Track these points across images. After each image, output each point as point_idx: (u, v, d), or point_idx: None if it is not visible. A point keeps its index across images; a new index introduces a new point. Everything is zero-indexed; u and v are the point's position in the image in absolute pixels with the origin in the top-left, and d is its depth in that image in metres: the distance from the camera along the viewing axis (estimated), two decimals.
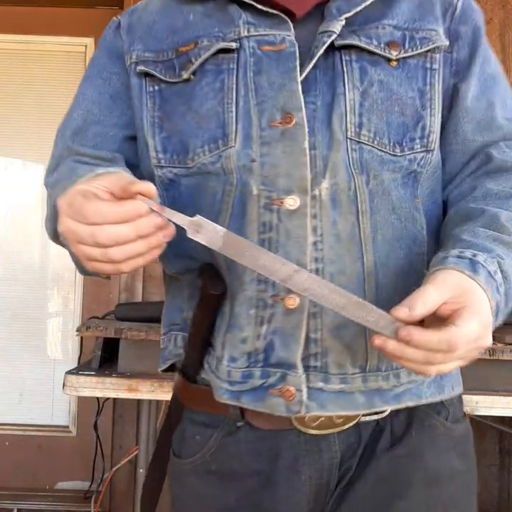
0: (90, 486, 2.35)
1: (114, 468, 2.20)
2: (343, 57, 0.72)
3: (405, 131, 0.72)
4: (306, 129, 0.69)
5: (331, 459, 0.75)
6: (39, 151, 2.57)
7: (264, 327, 0.71)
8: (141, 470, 1.72)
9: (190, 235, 0.63)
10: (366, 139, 0.71)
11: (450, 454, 0.77)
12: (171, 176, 0.76)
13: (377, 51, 0.72)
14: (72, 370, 1.55)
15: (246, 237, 0.68)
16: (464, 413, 0.83)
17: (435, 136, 0.74)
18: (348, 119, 0.71)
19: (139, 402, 1.88)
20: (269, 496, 0.75)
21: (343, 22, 0.73)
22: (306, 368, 0.71)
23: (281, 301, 0.70)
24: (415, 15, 0.76)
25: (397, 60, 0.73)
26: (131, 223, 0.59)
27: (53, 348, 2.56)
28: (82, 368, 1.59)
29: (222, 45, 0.74)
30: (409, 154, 0.72)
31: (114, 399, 2.22)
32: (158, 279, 2.38)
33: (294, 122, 0.69)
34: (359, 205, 0.71)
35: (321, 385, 0.71)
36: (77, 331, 1.62)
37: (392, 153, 0.72)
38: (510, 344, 1.52)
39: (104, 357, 1.59)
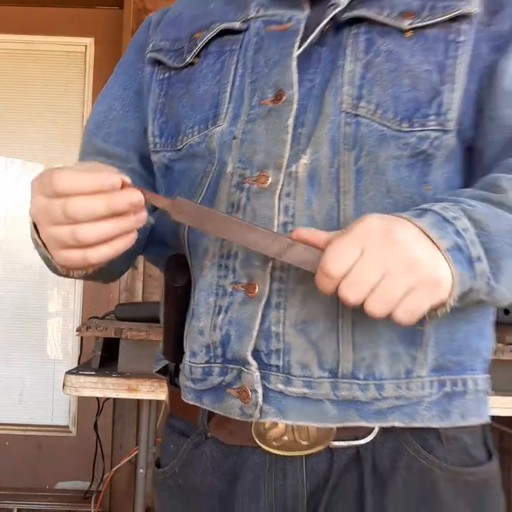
0: (90, 486, 2.35)
1: (114, 468, 2.20)
2: (352, 31, 0.66)
3: (418, 106, 0.64)
4: (295, 106, 0.65)
5: (295, 486, 0.64)
6: (39, 151, 2.57)
7: (220, 316, 0.65)
8: (141, 470, 1.72)
9: (173, 216, 0.60)
10: (365, 111, 0.64)
11: (456, 504, 0.63)
12: (165, 162, 0.74)
13: (387, 21, 0.65)
14: (72, 370, 1.55)
15: None
16: (490, 451, 0.67)
17: (455, 115, 0.64)
18: (345, 91, 0.64)
19: (139, 402, 1.89)
20: None
21: None
22: (266, 367, 0.63)
23: (242, 288, 0.63)
24: None
25: (413, 29, 0.65)
26: (104, 195, 0.55)
27: (53, 348, 2.56)
28: (82, 367, 1.59)
29: (225, 25, 0.71)
30: (419, 131, 0.64)
31: (114, 399, 2.22)
32: (158, 279, 2.38)
33: (283, 99, 0.65)
34: (341, 184, 0.63)
35: (280, 387, 0.62)
36: (77, 331, 1.62)
37: (397, 128, 0.64)
38: (510, 344, 1.52)
39: (104, 357, 1.59)
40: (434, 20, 0.65)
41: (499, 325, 1.68)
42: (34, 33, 2.54)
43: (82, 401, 2.46)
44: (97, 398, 2.14)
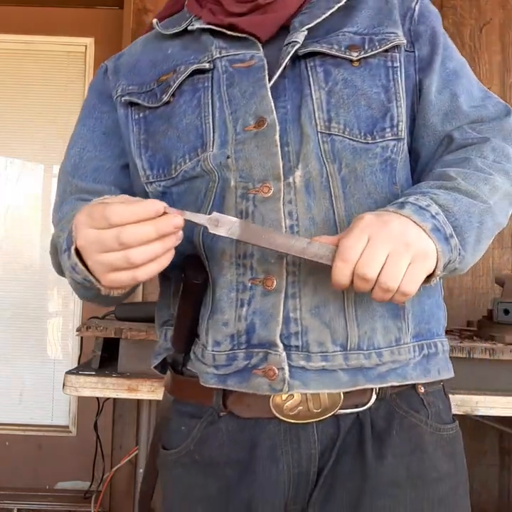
0: (90, 485, 2.35)
1: (114, 468, 2.20)
2: (308, 64, 0.80)
3: (375, 122, 0.79)
4: (278, 127, 0.77)
5: (309, 449, 0.76)
6: (39, 151, 2.57)
7: (244, 309, 0.76)
8: (141, 470, 1.72)
9: (211, 230, 0.70)
10: (336, 130, 0.78)
11: (436, 454, 0.78)
12: (160, 189, 0.83)
13: (339, 54, 0.80)
14: (72, 370, 1.55)
15: None
16: (453, 415, 0.84)
17: (403, 126, 0.80)
18: (317, 116, 0.78)
19: (139, 402, 1.89)
20: (247, 485, 0.77)
21: (305, 32, 0.80)
22: (288, 347, 0.74)
23: (260, 283, 0.75)
24: (374, 21, 0.83)
25: (359, 60, 0.80)
26: (152, 222, 0.64)
27: (53, 348, 2.56)
28: (82, 367, 1.59)
29: (196, 66, 0.82)
30: (381, 142, 0.79)
31: (114, 399, 2.22)
32: (157, 280, 2.38)
33: (266, 124, 0.77)
34: (332, 191, 0.77)
35: (302, 363, 0.74)
36: (77, 331, 1.62)
37: (363, 141, 0.78)
38: (510, 344, 1.52)
39: (104, 357, 1.59)
40: (375, 52, 0.81)
41: (499, 325, 1.69)
42: (34, 33, 2.54)
43: (82, 401, 2.46)
44: (97, 398, 2.13)
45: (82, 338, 2.13)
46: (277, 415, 0.76)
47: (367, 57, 0.80)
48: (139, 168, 0.84)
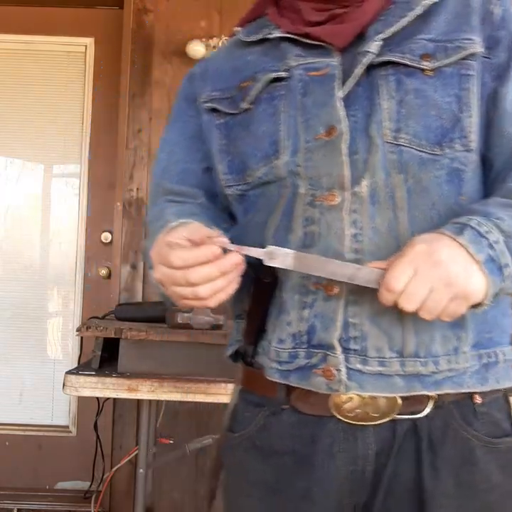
0: (90, 486, 2.35)
1: (114, 468, 2.20)
2: (381, 73, 0.80)
3: (444, 133, 0.79)
4: (347, 136, 0.78)
5: (365, 450, 0.79)
6: (39, 151, 2.58)
7: (306, 311, 0.80)
8: (141, 470, 1.72)
9: (266, 262, 0.75)
10: (404, 141, 0.78)
11: (488, 467, 0.79)
12: (238, 193, 0.88)
13: (411, 64, 0.80)
14: (72, 370, 1.55)
15: (292, 231, 0.80)
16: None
17: (474, 137, 0.79)
18: (385, 125, 0.79)
19: (139, 402, 1.89)
20: (304, 477, 0.81)
21: (380, 43, 0.81)
22: (346, 350, 0.78)
23: (322, 288, 0.79)
24: (451, 27, 0.82)
25: (432, 69, 0.80)
26: (215, 264, 0.72)
27: (53, 348, 2.56)
28: (82, 367, 1.59)
29: (274, 75, 0.85)
30: (449, 153, 0.79)
31: (114, 399, 2.22)
32: None
33: (336, 133, 0.79)
34: (397, 202, 0.78)
35: (359, 366, 0.77)
36: (77, 331, 1.62)
37: (431, 152, 0.78)
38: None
39: (104, 357, 1.59)
40: (449, 60, 0.80)
41: None
42: (34, 33, 2.54)
43: (82, 401, 2.46)
44: (97, 398, 2.14)
45: (82, 338, 2.13)
46: (336, 415, 0.79)
47: (440, 66, 0.80)
48: (219, 173, 0.89)
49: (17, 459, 2.49)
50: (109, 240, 2.48)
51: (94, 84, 2.55)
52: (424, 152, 0.78)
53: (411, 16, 0.82)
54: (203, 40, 2.28)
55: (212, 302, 0.75)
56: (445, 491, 0.78)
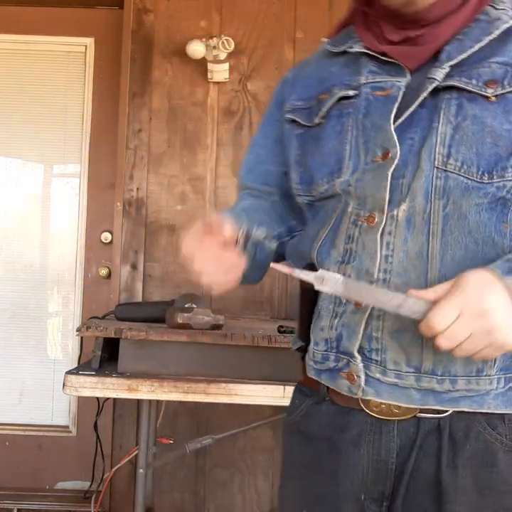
0: (90, 486, 2.35)
1: (114, 468, 2.20)
2: (445, 96, 0.82)
3: (498, 161, 0.79)
4: (396, 161, 0.81)
5: (389, 442, 0.84)
6: (39, 151, 2.58)
7: (336, 320, 0.86)
8: (141, 470, 1.72)
9: (316, 286, 0.78)
10: (452, 167, 0.79)
11: (509, 470, 0.81)
12: (306, 201, 0.95)
13: (474, 90, 0.80)
14: (72, 370, 1.55)
15: (335, 246, 0.86)
16: None
17: None
18: (437, 150, 0.80)
19: (139, 402, 1.89)
20: (333, 461, 0.88)
21: (447, 69, 0.82)
22: (368, 360, 0.83)
23: (352, 301, 0.84)
24: None
25: (496, 96, 0.79)
26: (216, 260, 0.83)
27: (53, 348, 2.56)
28: (82, 367, 1.59)
29: (342, 93, 0.90)
30: (498, 182, 0.79)
31: (114, 399, 2.22)
32: (157, 279, 2.38)
33: (389, 156, 0.82)
34: (431, 227, 0.80)
35: (378, 376, 0.83)
36: (77, 331, 1.62)
37: (479, 180, 0.79)
38: None
39: (104, 357, 1.59)
40: None
41: None
42: (34, 33, 2.54)
43: (82, 401, 2.46)
44: (97, 398, 2.14)
45: (82, 338, 2.13)
46: (364, 409, 0.85)
47: (505, 93, 0.79)
48: (292, 181, 0.96)
49: (17, 459, 2.49)
50: (109, 240, 2.48)
51: (94, 84, 2.55)
52: (471, 179, 0.79)
53: (486, 40, 0.82)
54: (203, 40, 2.28)
55: (216, 291, 0.86)
56: (463, 488, 0.81)
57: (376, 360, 0.83)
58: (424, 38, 0.85)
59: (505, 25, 0.83)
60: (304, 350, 0.95)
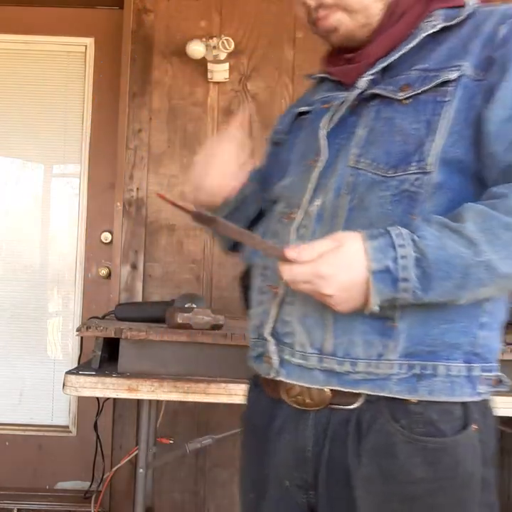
0: (90, 486, 2.35)
1: (114, 468, 2.20)
2: (369, 104, 0.91)
3: (405, 157, 0.84)
4: (319, 163, 0.91)
5: (304, 431, 0.91)
6: (39, 151, 2.58)
7: (259, 308, 0.95)
8: (141, 470, 1.72)
9: (194, 220, 0.84)
10: (363, 165, 0.87)
11: (411, 461, 0.82)
12: (265, 208, 1.07)
13: (390, 95, 0.88)
14: (72, 370, 1.55)
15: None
16: (464, 426, 0.84)
17: (435, 160, 0.82)
18: (352, 151, 0.88)
19: (139, 402, 1.88)
20: (263, 447, 0.96)
21: (370, 77, 0.90)
22: (282, 343, 0.90)
23: (273, 289, 0.91)
24: (451, 53, 0.87)
25: (407, 98, 0.86)
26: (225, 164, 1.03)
27: (53, 348, 2.56)
28: (82, 367, 1.59)
29: (300, 109, 1.04)
30: (400, 175, 0.84)
31: (114, 399, 2.22)
32: (157, 279, 2.38)
33: (317, 160, 0.92)
34: (337, 220, 0.87)
35: (288, 357, 0.90)
36: (77, 331, 1.62)
37: (383, 175, 0.85)
38: (510, 344, 1.52)
39: (104, 357, 1.59)
40: (423, 88, 0.85)
41: None
42: (34, 33, 2.54)
43: (82, 401, 2.46)
44: (97, 398, 2.14)
45: (82, 338, 2.13)
46: (285, 399, 0.92)
47: (414, 94, 0.86)
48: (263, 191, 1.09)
49: (17, 459, 2.49)
50: (109, 240, 2.48)
51: (94, 84, 2.55)
52: (377, 174, 0.85)
53: (405, 49, 0.89)
54: (203, 40, 2.28)
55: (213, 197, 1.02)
56: (367, 476, 0.85)
57: (287, 343, 0.89)
58: (357, 58, 0.94)
59: (424, 34, 0.89)
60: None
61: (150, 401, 1.71)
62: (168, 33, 2.40)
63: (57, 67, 2.57)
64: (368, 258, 0.77)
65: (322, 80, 1.05)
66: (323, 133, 0.93)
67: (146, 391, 1.48)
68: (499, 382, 0.88)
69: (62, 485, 2.50)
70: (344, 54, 0.97)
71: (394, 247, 0.76)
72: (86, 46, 2.56)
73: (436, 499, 0.83)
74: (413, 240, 0.77)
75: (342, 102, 0.93)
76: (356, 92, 0.91)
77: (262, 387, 0.98)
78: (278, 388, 0.92)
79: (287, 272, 0.80)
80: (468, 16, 0.88)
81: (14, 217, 2.59)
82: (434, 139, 0.83)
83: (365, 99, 0.91)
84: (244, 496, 1.03)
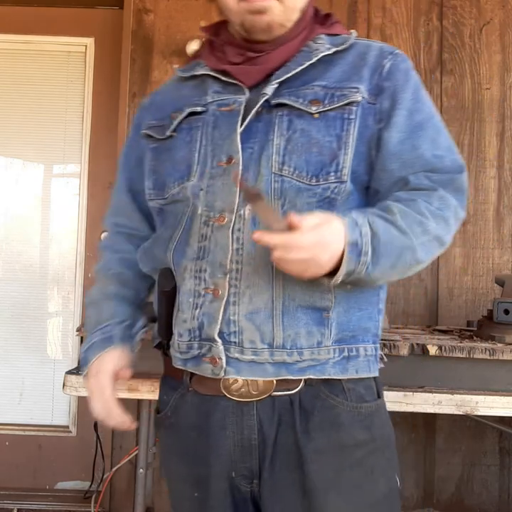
0: (90, 486, 2.35)
1: (114, 468, 2.20)
2: (278, 113, 0.97)
3: (322, 167, 0.95)
4: (241, 167, 0.95)
5: (249, 421, 0.96)
6: (39, 151, 2.58)
7: (197, 311, 0.97)
8: (141, 470, 1.72)
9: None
10: (287, 172, 0.94)
11: (353, 427, 0.97)
12: (157, 206, 1.06)
13: (301, 107, 0.96)
14: (72, 370, 1.55)
15: (189, 245, 0.97)
16: (378, 395, 1.01)
17: (348, 171, 0.95)
18: (274, 159, 0.95)
19: (139, 402, 1.88)
20: (203, 445, 0.99)
21: (276, 86, 0.97)
22: (228, 342, 0.94)
23: (210, 292, 0.95)
24: (344, 76, 0.98)
25: (319, 113, 0.96)
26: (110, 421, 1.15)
27: (53, 348, 2.56)
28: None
29: (191, 109, 1.03)
30: (323, 184, 0.94)
31: None
32: None
33: (233, 162, 0.96)
34: None
35: (237, 355, 0.94)
36: (77, 331, 1.62)
37: (308, 183, 0.94)
38: (510, 344, 1.52)
39: None
40: (333, 106, 0.96)
41: (499, 325, 1.69)
42: (34, 33, 2.54)
43: (82, 401, 2.46)
44: None
45: (82, 338, 2.13)
46: (226, 394, 0.96)
47: (325, 110, 0.96)
48: (146, 188, 1.08)
49: (17, 459, 2.49)
50: None
51: (94, 84, 2.55)
52: (302, 182, 0.94)
53: (306, 64, 0.98)
54: (203, 40, 2.28)
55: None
56: (318, 449, 0.95)
57: (235, 342, 0.94)
58: (261, 60, 1.01)
59: (322, 54, 0.99)
60: (163, 346, 1.05)
61: (150, 401, 1.71)
62: (168, 33, 2.40)
63: (57, 67, 2.57)
64: (346, 231, 0.86)
65: (195, 77, 1.07)
66: (238, 137, 0.96)
67: (146, 391, 1.48)
68: (381, 359, 1.04)
69: (62, 485, 2.50)
70: (246, 51, 1.02)
71: (357, 225, 0.87)
72: (86, 46, 2.57)
73: (376, 460, 0.98)
74: (368, 221, 0.89)
75: (244, 105, 0.97)
76: (264, 98, 0.97)
77: (188, 387, 1.01)
78: (217, 385, 0.96)
79: (293, 239, 0.83)
80: (351, 46, 1.02)
81: (14, 217, 2.59)
82: (347, 153, 0.95)
83: (270, 106, 0.97)
84: (185, 497, 1.04)
